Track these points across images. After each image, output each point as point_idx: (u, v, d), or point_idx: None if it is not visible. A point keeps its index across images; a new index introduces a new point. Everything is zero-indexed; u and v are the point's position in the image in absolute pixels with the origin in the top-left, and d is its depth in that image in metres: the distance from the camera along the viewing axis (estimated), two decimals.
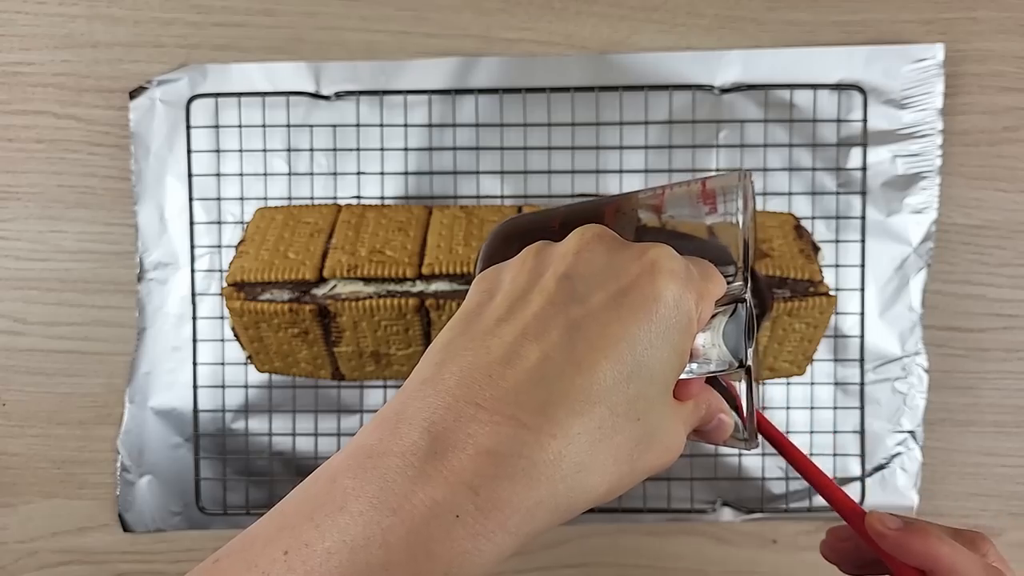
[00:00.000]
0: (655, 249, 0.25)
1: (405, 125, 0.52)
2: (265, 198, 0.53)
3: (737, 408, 0.28)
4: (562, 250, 0.25)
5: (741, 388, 0.28)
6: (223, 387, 0.53)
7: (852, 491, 0.52)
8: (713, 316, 0.26)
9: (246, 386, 0.53)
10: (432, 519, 0.20)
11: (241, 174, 0.53)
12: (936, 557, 0.27)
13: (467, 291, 0.28)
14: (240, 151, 0.53)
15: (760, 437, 0.30)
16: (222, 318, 0.52)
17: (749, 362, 0.26)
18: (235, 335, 0.51)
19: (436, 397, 0.22)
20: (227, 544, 0.21)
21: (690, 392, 0.27)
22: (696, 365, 0.26)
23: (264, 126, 0.52)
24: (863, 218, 0.52)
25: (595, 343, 0.23)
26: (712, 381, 0.28)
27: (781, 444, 0.30)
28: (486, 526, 0.20)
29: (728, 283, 0.27)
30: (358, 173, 0.53)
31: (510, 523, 0.21)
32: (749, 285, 0.27)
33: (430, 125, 0.52)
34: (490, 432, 0.21)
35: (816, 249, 0.50)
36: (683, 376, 0.26)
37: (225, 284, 0.48)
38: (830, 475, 0.52)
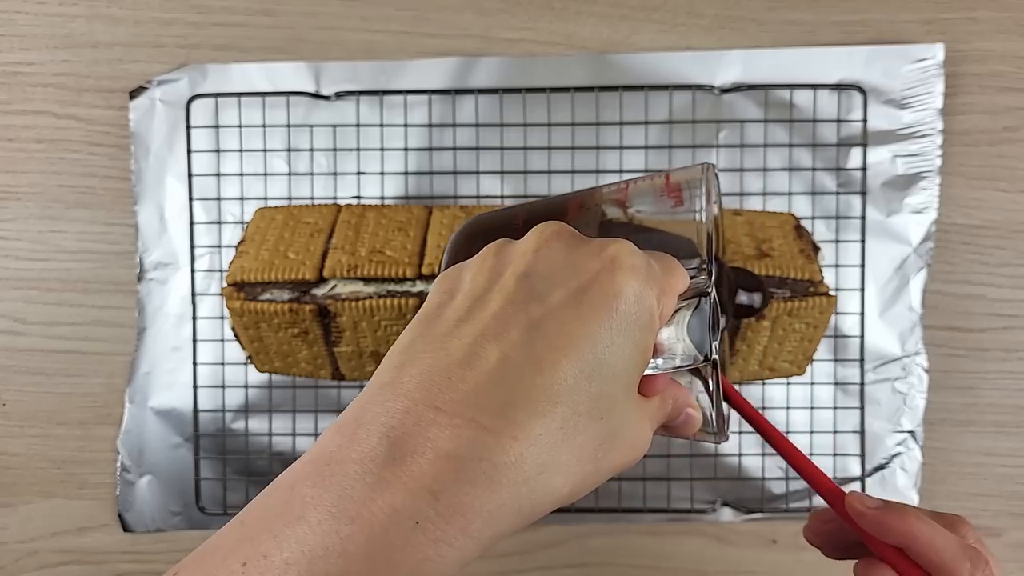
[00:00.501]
0: (615, 245, 0.25)
1: (405, 125, 0.52)
2: (265, 198, 0.53)
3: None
4: (521, 248, 0.25)
5: (709, 382, 0.27)
6: (223, 387, 0.53)
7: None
8: (677, 310, 0.26)
9: (246, 386, 0.53)
10: (392, 526, 0.20)
11: (241, 174, 0.53)
12: (914, 535, 0.27)
13: None
14: (240, 151, 0.53)
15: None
16: (222, 318, 0.52)
17: (715, 356, 0.26)
18: (235, 335, 0.51)
19: (395, 401, 0.22)
20: (188, 556, 0.21)
21: (656, 388, 0.26)
22: (661, 360, 0.26)
23: (264, 126, 0.52)
24: (863, 218, 0.52)
25: (555, 342, 0.23)
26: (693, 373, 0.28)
27: (759, 423, 0.30)
28: (447, 532, 0.20)
29: (692, 277, 0.26)
30: (358, 173, 0.53)
31: (472, 527, 0.21)
32: (714, 278, 0.26)
33: (430, 125, 0.52)
34: (450, 436, 0.21)
35: (816, 249, 0.50)
36: (648, 372, 0.26)
37: (225, 284, 0.48)
38: (827, 472, 0.52)
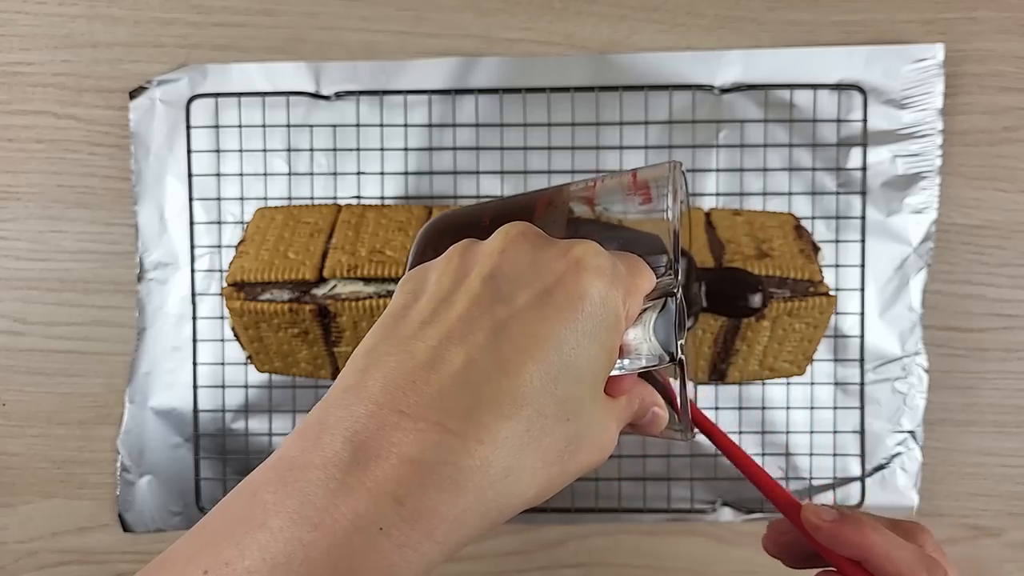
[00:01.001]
0: (580, 246, 0.25)
1: (405, 125, 0.52)
2: (265, 198, 0.53)
3: (672, 401, 0.28)
4: (487, 249, 0.25)
5: (675, 382, 0.27)
6: (223, 387, 0.53)
7: (852, 491, 0.52)
8: (643, 311, 0.26)
9: (246, 386, 0.53)
10: (355, 533, 0.19)
11: (241, 174, 0.53)
12: (869, 547, 0.27)
13: None
14: (240, 151, 0.53)
15: (695, 430, 0.29)
16: (222, 318, 0.52)
17: (681, 355, 0.26)
18: (235, 335, 0.51)
19: (359, 405, 0.21)
20: (151, 562, 0.21)
21: (622, 388, 0.26)
22: (628, 361, 0.26)
23: (264, 126, 0.52)
24: (863, 218, 0.52)
25: (520, 344, 0.22)
26: (647, 375, 0.28)
27: (717, 438, 0.30)
28: (412, 537, 0.20)
29: (661, 275, 0.26)
30: (358, 173, 0.53)
31: (437, 532, 0.20)
32: (680, 278, 0.26)
33: (430, 125, 0.52)
34: (415, 440, 0.21)
35: (816, 249, 0.50)
36: (614, 372, 0.26)
37: (225, 284, 0.48)
38: (829, 471, 0.52)
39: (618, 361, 0.26)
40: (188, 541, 0.20)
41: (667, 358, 0.26)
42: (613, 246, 0.26)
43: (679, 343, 0.26)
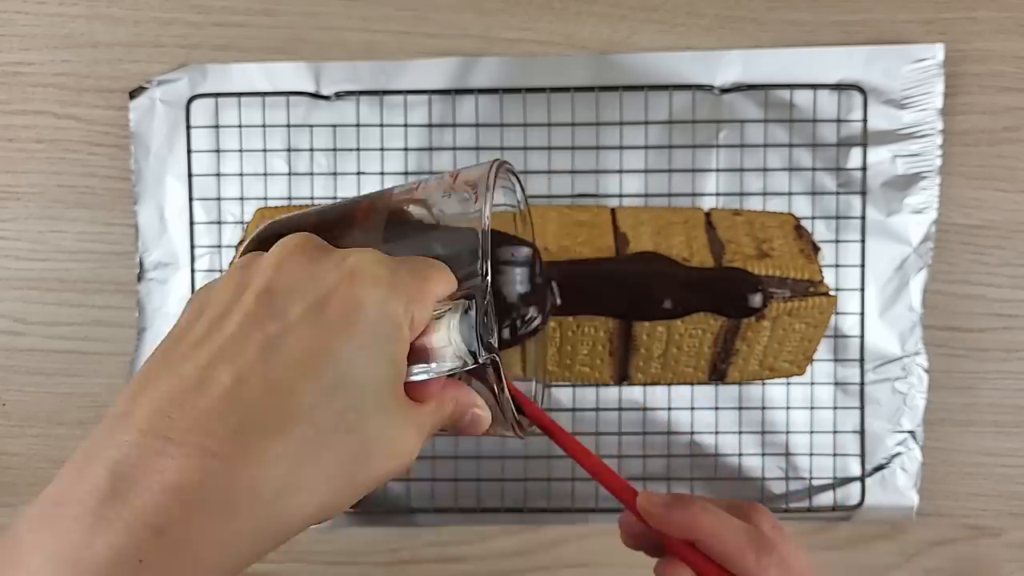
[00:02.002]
0: (356, 255, 0.24)
1: (405, 125, 0.52)
2: (265, 198, 0.53)
3: (517, 401, 0.27)
4: (264, 263, 0.24)
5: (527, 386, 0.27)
6: None
7: (852, 491, 0.52)
8: (446, 312, 0.26)
9: None
10: (114, 568, 0.19)
11: (241, 174, 0.53)
12: (698, 528, 0.27)
13: None
14: (240, 151, 0.53)
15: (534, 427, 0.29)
16: None
17: (490, 355, 0.25)
18: None
19: (124, 433, 0.21)
20: None
21: (428, 392, 0.26)
22: (435, 365, 0.26)
23: (264, 126, 0.52)
24: (863, 218, 0.52)
25: (292, 360, 0.22)
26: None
27: (554, 433, 0.30)
28: (175, 567, 0.19)
29: (479, 275, 0.26)
30: (358, 173, 0.53)
31: (206, 560, 0.20)
32: (489, 278, 0.26)
33: (430, 125, 0.52)
34: (177, 466, 0.20)
35: (816, 249, 0.50)
36: (418, 377, 0.25)
37: None
38: (829, 471, 0.52)
39: (423, 365, 0.25)
40: None
41: (471, 359, 0.25)
42: (436, 249, 0.26)
43: (483, 343, 0.25)
